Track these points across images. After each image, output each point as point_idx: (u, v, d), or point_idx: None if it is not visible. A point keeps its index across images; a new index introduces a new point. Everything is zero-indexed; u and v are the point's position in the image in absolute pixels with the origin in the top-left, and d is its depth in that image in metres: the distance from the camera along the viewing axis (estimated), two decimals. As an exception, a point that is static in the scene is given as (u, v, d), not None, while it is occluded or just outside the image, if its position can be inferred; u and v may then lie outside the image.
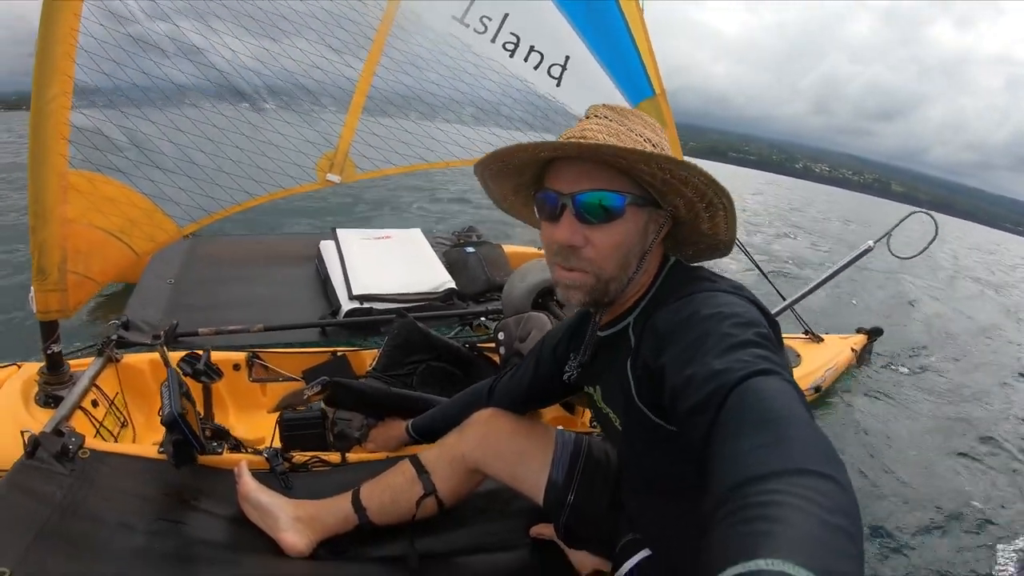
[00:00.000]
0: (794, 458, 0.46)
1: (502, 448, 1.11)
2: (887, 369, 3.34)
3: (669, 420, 0.75)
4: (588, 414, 1.80)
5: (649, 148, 0.79)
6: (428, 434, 1.36)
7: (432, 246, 3.01)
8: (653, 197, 0.80)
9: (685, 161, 0.73)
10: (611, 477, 1.09)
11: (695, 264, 0.91)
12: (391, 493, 1.14)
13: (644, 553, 0.95)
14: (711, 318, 0.68)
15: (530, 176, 0.87)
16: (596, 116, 0.83)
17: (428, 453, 1.17)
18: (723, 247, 0.87)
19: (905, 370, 3.44)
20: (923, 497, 2.26)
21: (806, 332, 2.81)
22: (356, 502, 1.13)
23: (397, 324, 1.98)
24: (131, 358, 1.82)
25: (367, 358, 2.04)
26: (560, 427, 1.52)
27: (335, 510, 1.14)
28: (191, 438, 1.21)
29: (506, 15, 2.02)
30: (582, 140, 0.77)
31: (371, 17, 1.91)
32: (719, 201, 0.78)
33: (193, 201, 1.71)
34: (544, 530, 1.17)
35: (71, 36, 1.43)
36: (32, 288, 1.54)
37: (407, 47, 1.94)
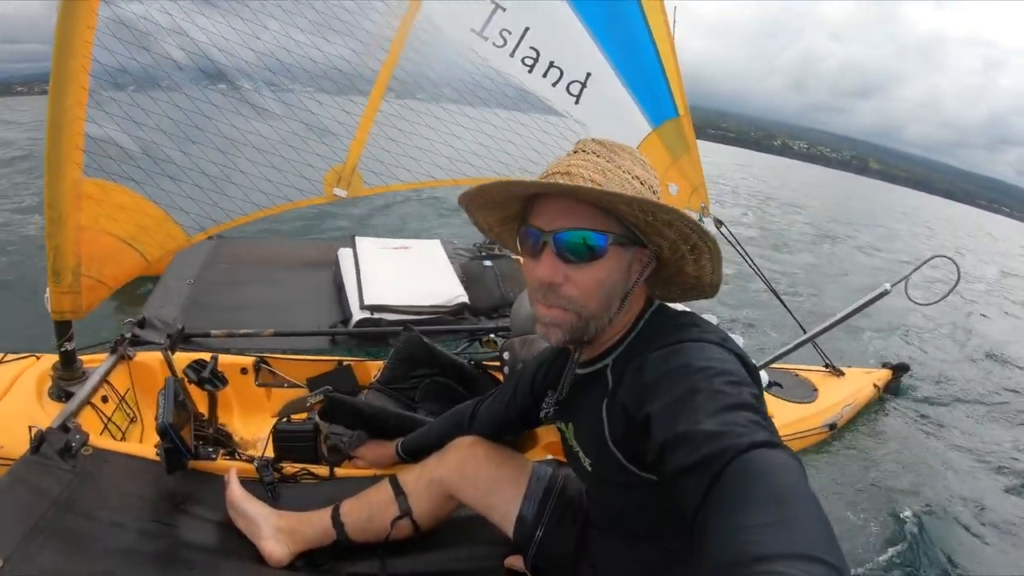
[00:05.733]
0: (797, 542, 0.45)
1: (477, 477, 1.12)
2: (911, 408, 3.15)
3: (646, 469, 0.75)
4: None
5: (636, 185, 0.77)
6: (415, 454, 1.36)
7: (451, 257, 2.99)
8: (636, 236, 0.78)
9: (667, 205, 0.72)
10: (581, 517, 1.07)
11: (680, 308, 0.88)
12: (368, 511, 1.16)
13: None
14: (701, 372, 0.66)
15: (516, 209, 0.86)
16: (584, 151, 0.80)
17: (407, 475, 1.19)
18: (708, 289, 0.85)
19: (931, 411, 3.23)
20: (928, 553, 2.15)
21: (826, 365, 2.69)
22: (336, 518, 1.15)
23: (403, 338, 1.98)
24: (144, 355, 1.86)
25: (372, 369, 2.05)
26: (547, 457, 1.49)
27: (315, 524, 1.16)
28: (181, 446, 1.25)
29: (527, 29, 1.97)
30: (565, 176, 0.75)
31: (387, 27, 1.88)
32: (704, 244, 0.76)
33: (202, 211, 1.73)
34: (517, 562, 1.15)
35: (86, 47, 1.45)
36: (47, 289, 1.59)
37: (423, 59, 1.91)
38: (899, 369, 2.98)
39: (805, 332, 2.38)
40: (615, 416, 0.78)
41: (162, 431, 1.23)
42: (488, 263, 2.95)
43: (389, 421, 1.52)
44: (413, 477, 1.17)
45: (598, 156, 0.78)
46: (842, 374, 2.71)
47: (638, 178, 0.78)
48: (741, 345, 0.77)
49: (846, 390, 2.65)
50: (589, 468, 0.88)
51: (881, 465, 2.61)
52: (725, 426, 0.57)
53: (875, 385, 2.82)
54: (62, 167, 1.52)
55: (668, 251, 0.78)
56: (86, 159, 1.56)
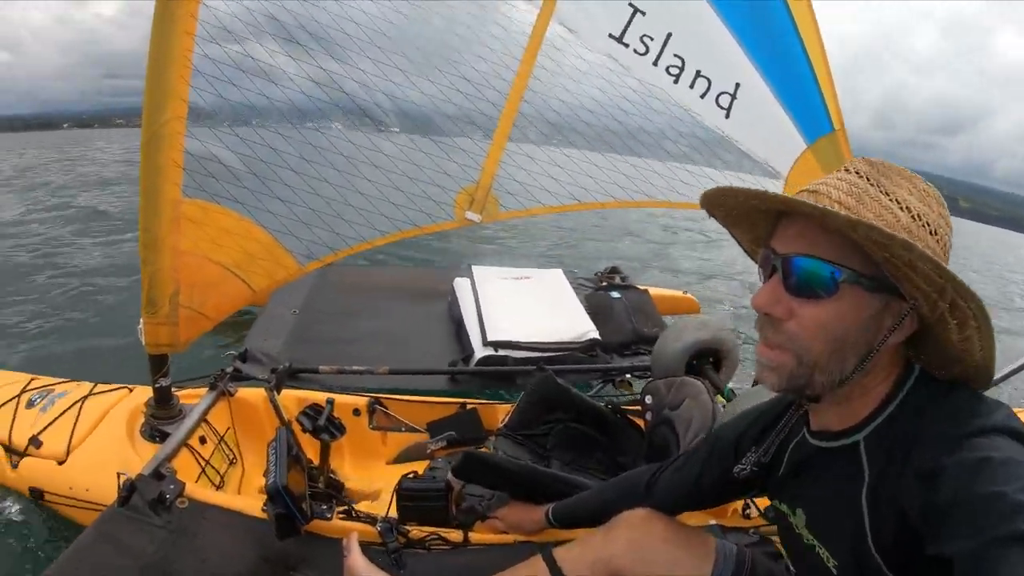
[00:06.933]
0: None
1: (655, 558, 0.97)
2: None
3: None
4: (739, 504, 1.51)
5: (903, 218, 0.63)
6: (570, 522, 1.21)
7: (573, 288, 2.74)
8: (890, 282, 0.63)
9: (905, 239, 0.57)
10: None
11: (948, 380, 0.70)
12: None
13: None
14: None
15: (762, 230, 0.75)
16: (846, 171, 0.68)
17: (566, 551, 1.03)
18: (982, 375, 0.66)
19: None
20: None
21: None
22: None
23: (536, 379, 1.77)
24: (246, 392, 1.70)
25: (499, 413, 1.83)
26: (709, 523, 1.32)
27: None
28: (295, 511, 1.10)
29: (669, 35, 1.74)
30: (812, 194, 0.66)
31: (519, 34, 1.66)
32: (965, 305, 0.61)
33: (316, 237, 1.52)
34: None
35: (185, 57, 1.30)
36: (141, 320, 1.42)
37: (559, 69, 1.68)
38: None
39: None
40: (884, 517, 0.65)
41: (273, 493, 1.07)
42: (616, 294, 2.69)
43: (538, 482, 1.30)
44: (574, 555, 1.01)
45: (859, 176, 0.66)
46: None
47: (910, 211, 0.63)
48: None
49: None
50: (834, 569, 0.74)
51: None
52: None
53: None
54: (158, 186, 1.34)
55: (927, 308, 0.63)
56: (185, 178, 1.36)
